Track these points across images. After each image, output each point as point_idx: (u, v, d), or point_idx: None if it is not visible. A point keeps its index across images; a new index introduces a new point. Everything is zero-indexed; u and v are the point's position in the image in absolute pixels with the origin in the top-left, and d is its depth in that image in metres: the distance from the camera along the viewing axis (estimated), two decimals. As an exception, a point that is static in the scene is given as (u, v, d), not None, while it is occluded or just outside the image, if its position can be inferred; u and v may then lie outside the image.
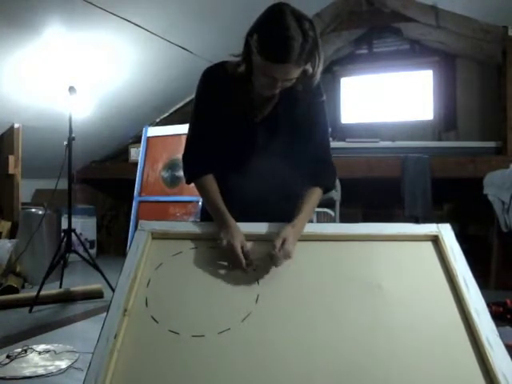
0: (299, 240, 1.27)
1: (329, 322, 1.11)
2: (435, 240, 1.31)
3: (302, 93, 1.35)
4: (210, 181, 1.41)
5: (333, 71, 5.10)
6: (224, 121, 1.40)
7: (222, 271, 1.25)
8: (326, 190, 1.44)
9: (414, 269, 1.25)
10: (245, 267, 1.24)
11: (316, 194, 1.40)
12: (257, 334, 1.09)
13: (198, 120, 1.45)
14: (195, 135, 1.46)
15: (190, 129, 1.47)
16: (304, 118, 1.39)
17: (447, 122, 4.68)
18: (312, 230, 1.33)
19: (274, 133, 1.40)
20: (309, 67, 1.26)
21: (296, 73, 1.23)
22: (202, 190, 1.42)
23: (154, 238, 1.34)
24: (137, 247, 1.29)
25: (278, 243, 1.23)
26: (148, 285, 1.22)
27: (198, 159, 1.43)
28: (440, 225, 1.33)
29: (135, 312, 1.14)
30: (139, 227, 1.35)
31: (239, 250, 1.25)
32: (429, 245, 1.31)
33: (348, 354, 1.04)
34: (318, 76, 1.31)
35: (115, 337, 1.06)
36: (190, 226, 1.37)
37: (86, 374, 0.99)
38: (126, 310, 1.13)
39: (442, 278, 1.21)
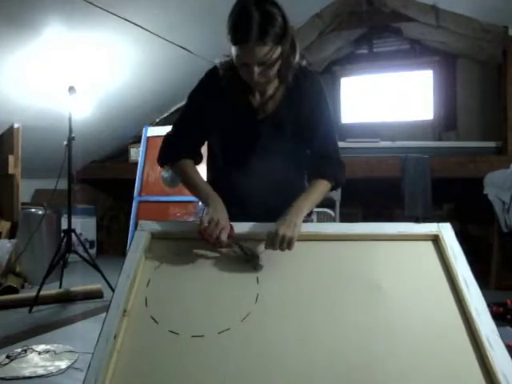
0: (299, 240, 1.26)
1: (328, 321, 1.11)
2: (435, 239, 1.30)
3: (304, 87, 1.36)
4: (190, 163, 1.42)
5: (333, 71, 5.10)
6: (223, 120, 1.41)
7: (222, 271, 1.25)
8: (335, 184, 1.43)
9: (414, 268, 1.24)
10: (225, 245, 1.24)
11: (318, 184, 1.39)
12: (256, 333, 1.09)
13: (186, 112, 1.47)
14: (181, 123, 1.47)
15: (178, 116, 1.50)
16: (308, 119, 1.40)
17: (447, 122, 4.68)
18: (312, 229, 1.33)
19: (277, 132, 1.40)
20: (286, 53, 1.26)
21: (265, 54, 1.21)
22: (181, 172, 1.42)
23: (153, 238, 1.34)
24: (137, 247, 1.29)
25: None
26: (148, 285, 1.21)
27: (179, 144, 1.45)
28: (440, 224, 1.33)
29: (135, 312, 1.14)
30: (139, 227, 1.35)
31: (221, 225, 1.23)
32: (429, 244, 1.30)
33: (348, 353, 1.04)
34: (295, 60, 1.31)
35: (115, 337, 1.06)
36: (190, 226, 1.37)
37: (86, 374, 0.99)
38: (125, 311, 1.12)
39: (442, 277, 1.21)
